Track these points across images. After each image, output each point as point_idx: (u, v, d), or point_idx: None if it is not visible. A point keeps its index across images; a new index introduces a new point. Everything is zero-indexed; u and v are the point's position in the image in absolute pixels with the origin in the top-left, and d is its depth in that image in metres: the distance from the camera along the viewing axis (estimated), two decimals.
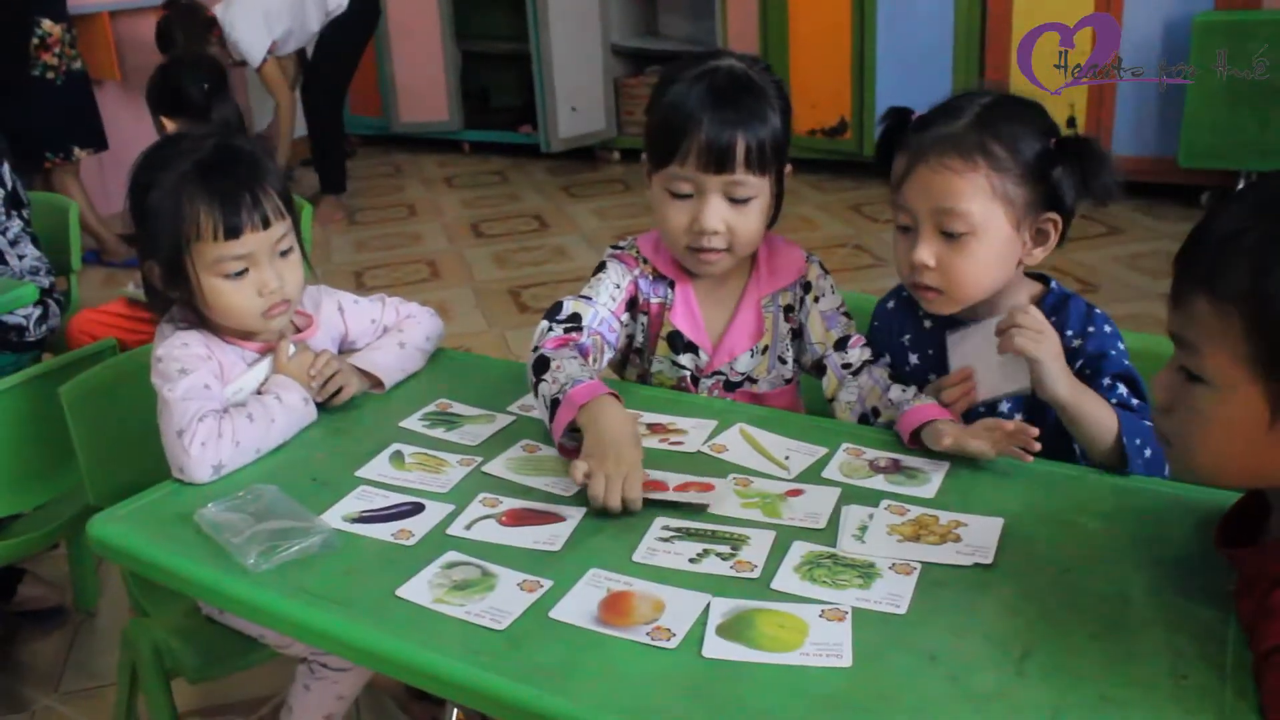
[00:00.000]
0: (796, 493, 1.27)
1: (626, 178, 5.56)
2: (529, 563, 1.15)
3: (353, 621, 1.09)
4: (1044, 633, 1.01)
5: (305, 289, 1.59)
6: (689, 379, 1.58)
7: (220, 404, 1.42)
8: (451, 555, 1.17)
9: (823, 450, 1.36)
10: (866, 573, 1.11)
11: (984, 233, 1.34)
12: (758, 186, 1.46)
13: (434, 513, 1.26)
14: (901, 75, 4.76)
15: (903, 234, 1.41)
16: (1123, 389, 1.36)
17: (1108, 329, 1.40)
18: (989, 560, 1.12)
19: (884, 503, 1.23)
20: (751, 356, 1.57)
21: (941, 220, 1.35)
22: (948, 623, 1.03)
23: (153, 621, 1.58)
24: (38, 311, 2.37)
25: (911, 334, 1.52)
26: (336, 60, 4.98)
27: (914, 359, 1.52)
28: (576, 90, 5.58)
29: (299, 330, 1.57)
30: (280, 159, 4.73)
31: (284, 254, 1.47)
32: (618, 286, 1.55)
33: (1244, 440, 0.96)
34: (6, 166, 2.41)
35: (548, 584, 1.11)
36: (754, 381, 1.58)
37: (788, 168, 1.53)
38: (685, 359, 1.57)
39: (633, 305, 1.59)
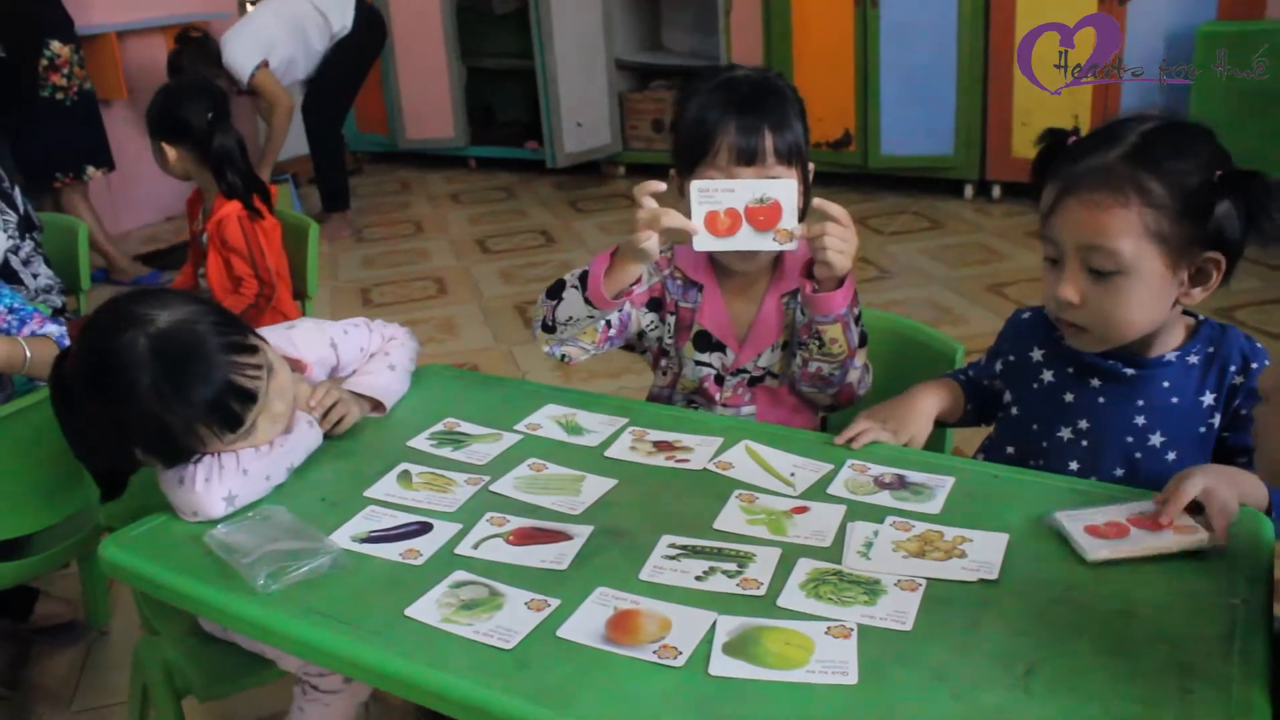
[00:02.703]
0: (802, 509, 1.27)
1: (632, 192, 5.56)
2: (536, 582, 1.16)
3: (362, 641, 1.09)
4: (1049, 649, 1.01)
5: (295, 326, 1.60)
6: (714, 378, 1.62)
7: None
8: (459, 575, 1.18)
9: (828, 466, 1.37)
10: (872, 589, 1.11)
11: (1135, 272, 1.24)
12: (786, 174, 1.50)
13: (442, 532, 1.27)
14: (905, 87, 4.76)
15: (1049, 266, 1.32)
16: None
17: (1269, 364, 1.33)
18: (994, 576, 1.12)
19: (889, 519, 1.24)
20: (773, 351, 1.62)
21: (1089, 257, 1.26)
22: (953, 639, 1.03)
23: (163, 640, 1.59)
24: None
25: (1047, 349, 1.43)
26: (339, 80, 5.00)
27: (1049, 376, 1.43)
28: (581, 105, 5.61)
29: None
30: (267, 165, 4.70)
31: (270, 374, 1.39)
32: (642, 280, 1.56)
33: None
34: (18, 191, 2.44)
35: (555, 603, 1.12)
36: (775, 376, 1.62)
37: (810, 165, 1.57)
38: (712, 358, 1.62)
39: (656, 306, 1.64)
